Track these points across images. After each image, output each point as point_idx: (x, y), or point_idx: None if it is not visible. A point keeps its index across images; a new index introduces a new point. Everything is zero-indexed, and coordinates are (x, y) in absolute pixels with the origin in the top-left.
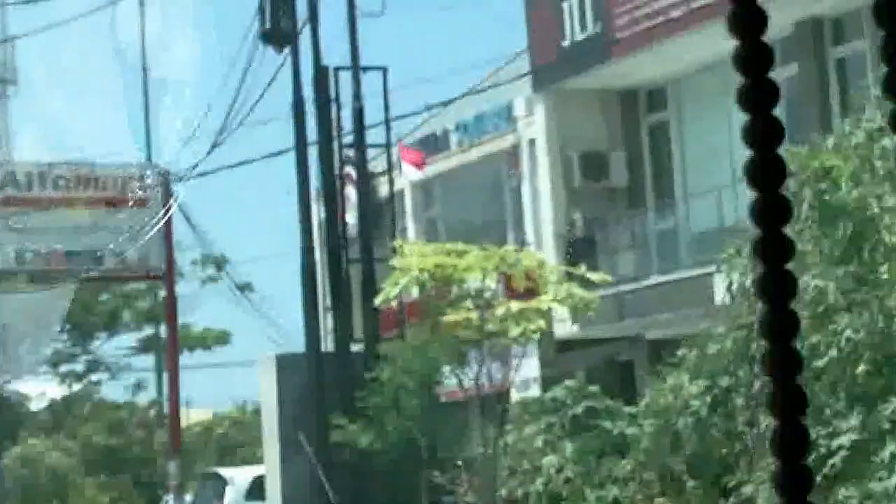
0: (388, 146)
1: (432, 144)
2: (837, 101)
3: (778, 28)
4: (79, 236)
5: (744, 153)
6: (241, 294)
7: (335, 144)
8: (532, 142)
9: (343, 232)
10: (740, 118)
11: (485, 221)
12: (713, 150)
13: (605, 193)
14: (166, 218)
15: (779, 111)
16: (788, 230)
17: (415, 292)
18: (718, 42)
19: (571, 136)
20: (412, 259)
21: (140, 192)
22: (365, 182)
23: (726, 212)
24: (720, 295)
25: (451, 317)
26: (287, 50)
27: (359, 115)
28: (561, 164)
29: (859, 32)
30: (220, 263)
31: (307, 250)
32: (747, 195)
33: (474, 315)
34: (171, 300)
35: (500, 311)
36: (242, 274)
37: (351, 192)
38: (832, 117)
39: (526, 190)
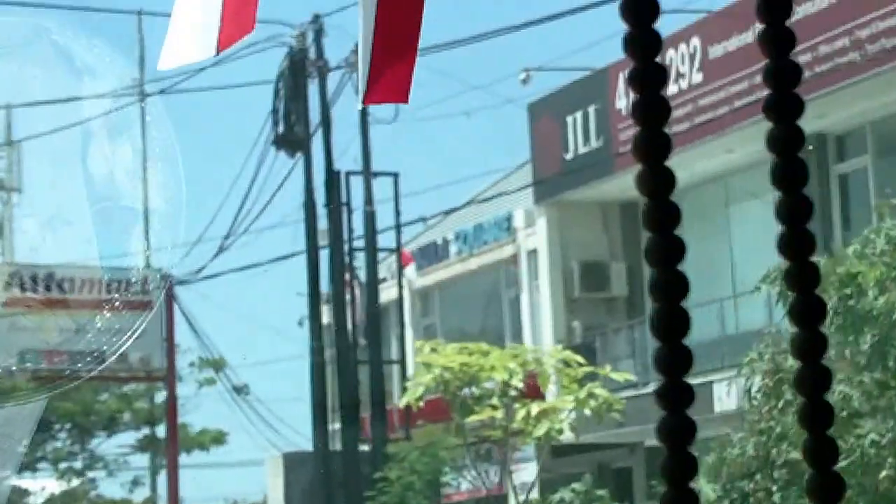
0: (398, 250)
1: (432, 253)
2: (839, 216)
3: None
4: (82, 337)
5: (744, 265)
6: (238, 396)
7: (345, 248)
8: (531, 252)
9: (353, 333)
10: (741, 230)
11: (483, 329)
12: (713, 262)
13: (604, 303)
14: (168, 320)
15: (779, 226)
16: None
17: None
18: (719, 156)
19: (572, 246)
20: (437, 358)
21: (142, 295)
22: (374, 285)
23: (727, 322)
24: (719, 402)
25: (475, 416)
26: (285, 153)
27: (370, 219)
28: (562, 274)
29: (862, 149)
30: (217, 366)
31: (316, 350)
32: (748, 307)
33: (499, 414)
34: (173, 401)
35: (522, 411)
36: (241, 375)
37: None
38: (833, 231)
39: (525, 299)
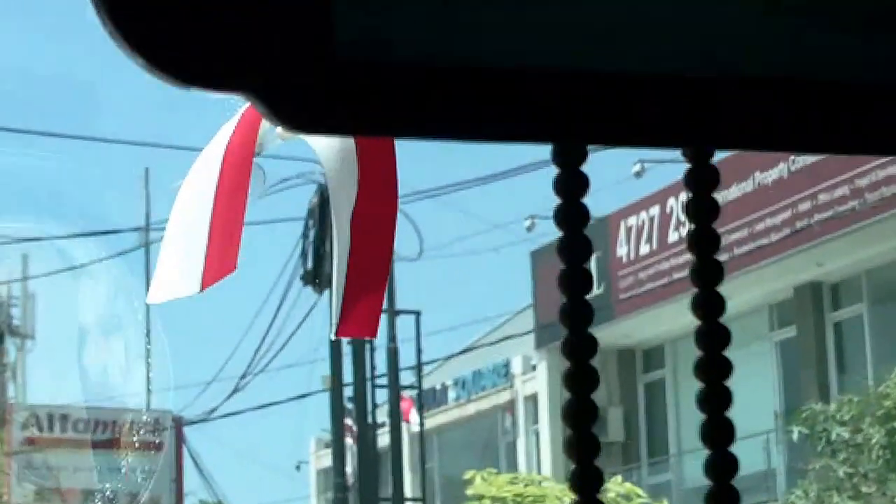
0: (419, 388)
1: (431, 398)
2: (834, 363)
3: (778, 292)
4: (95, 476)
5: (739, 409)
6: None
7: (368, 386)
8: (528, 398)
9: (375, 472)
10: (736, 377)
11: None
12: None
13: (601, 448)
14: (178, 461)
15: (775, 371)
16: (854, 474)
17: None
18: None
19: None
20: (489, 488)
21: (154, 436)
22: (397, 424)
23: None
24: None
25: None
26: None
27: (393, 357)
28: (561, 419)
29: (857, 297)
30: None
31: (340, 487)
32: (745, 453)
33: None
34: None
35: None
36: None
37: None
38: (829, 379)
39: (521, 445)
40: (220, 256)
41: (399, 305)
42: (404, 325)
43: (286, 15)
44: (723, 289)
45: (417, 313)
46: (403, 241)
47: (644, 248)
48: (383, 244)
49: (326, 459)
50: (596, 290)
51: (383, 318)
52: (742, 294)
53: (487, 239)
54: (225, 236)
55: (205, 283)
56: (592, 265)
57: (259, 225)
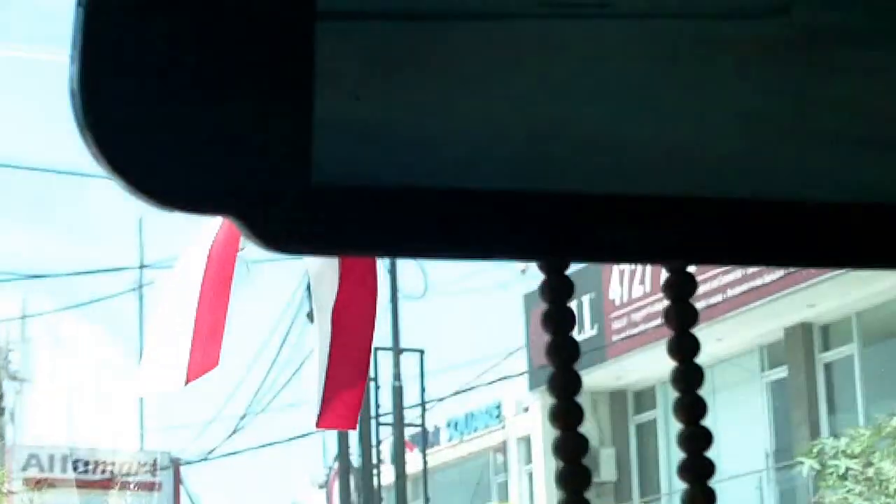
0: (423, 426)
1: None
2: (825, 403)
3: (769, 333)
4: None
5: (731, 449)
6: None
7: (373, 423)
8: (521, 439)
9: None
10: (723, 416)
11: None
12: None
13: (594, 487)
14: (176, 501)
15: (766, 411)
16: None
17: None
18: (708, 343)
19: None
20: None
21: (152, 477)
22: (401, 460)
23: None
24: None
25: None
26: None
27: (398, 395)
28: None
29: (847, 338)
30: None
31: None
32: (737, 492)
33: None
34: None
35: None
36: None
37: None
38: (819, 418)
39: (514, 485)
40: (204, 352)
41: (402, 343)
42: (406, 362)
43: (264, 141)
44: (715, 330)
45: (421, 352)
46: (408, 279)
47: (637, 291)
48: (362, 342)
49: (320, 500)
50: (588, 332)
51: (389, 356)
52: (733, 335)
53: (492, 277)
54: (209, 332)
55: (189, 379)
56: (585, 307)
57: (265, 262)
